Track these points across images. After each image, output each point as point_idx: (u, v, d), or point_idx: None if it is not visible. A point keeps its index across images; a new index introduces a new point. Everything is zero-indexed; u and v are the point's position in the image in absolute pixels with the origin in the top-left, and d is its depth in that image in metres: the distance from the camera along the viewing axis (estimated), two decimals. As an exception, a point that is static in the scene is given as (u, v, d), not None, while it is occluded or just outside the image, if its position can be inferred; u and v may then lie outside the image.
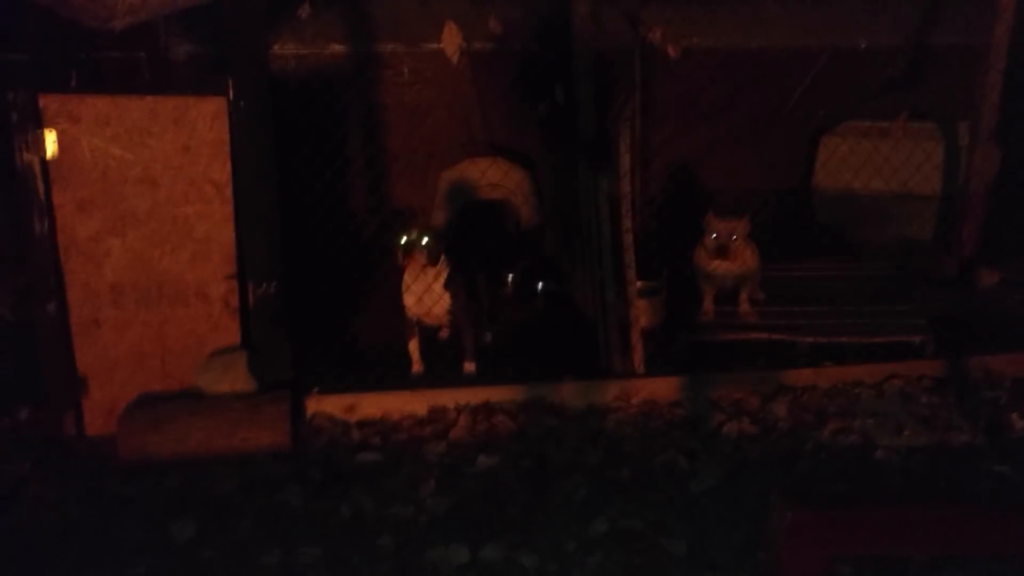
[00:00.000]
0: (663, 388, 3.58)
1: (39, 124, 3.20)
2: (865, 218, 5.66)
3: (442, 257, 3.66)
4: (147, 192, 3.35)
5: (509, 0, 5.39)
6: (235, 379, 3.33)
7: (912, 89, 6.01)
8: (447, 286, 3.67)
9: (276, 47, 5.36)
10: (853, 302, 4.18)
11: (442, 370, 3.80)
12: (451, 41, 3.93)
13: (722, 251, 3.86)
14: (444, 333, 4.05)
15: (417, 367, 3.78)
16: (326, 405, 3.46)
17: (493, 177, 5.12)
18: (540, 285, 4.84)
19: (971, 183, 4.83)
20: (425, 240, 3.60)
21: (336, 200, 4.02)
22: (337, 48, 5.46)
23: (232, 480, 3.07)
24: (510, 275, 5.06)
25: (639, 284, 4.40)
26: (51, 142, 3.23)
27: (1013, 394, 3.51)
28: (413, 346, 3.79)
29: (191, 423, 3.20)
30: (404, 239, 3.59)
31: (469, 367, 3.77)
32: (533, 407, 3.49)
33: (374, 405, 3.48)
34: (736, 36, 5.81)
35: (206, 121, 3.35)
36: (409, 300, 3.67)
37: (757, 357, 3.86)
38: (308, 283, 3.93)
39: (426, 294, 3.65)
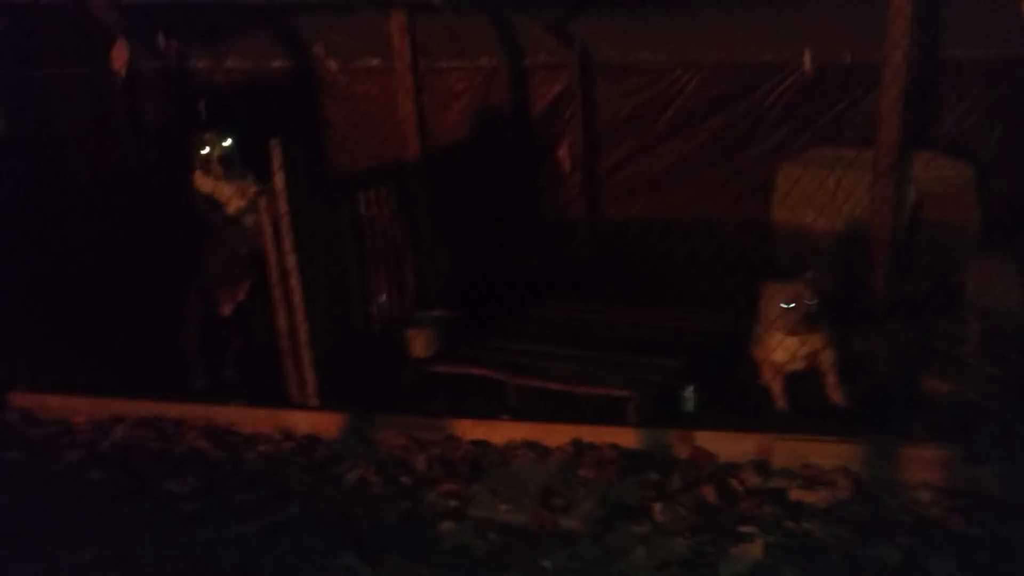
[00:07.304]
0: (328, 423, 3.27)
1: None
2: (820, 258, 4.74)
3: None
4: None
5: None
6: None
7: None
8: None
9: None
10: (612, 349, 3.58)
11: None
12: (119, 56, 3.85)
13: (804, 320, 3.06)
14: None
15: None
16: None
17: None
18: None
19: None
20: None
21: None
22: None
23: None
24: None
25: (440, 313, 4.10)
26: None
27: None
28: None
29: None
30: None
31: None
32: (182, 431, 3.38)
33: None
34: (688, 51, 5.19)
35: None
36: None
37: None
38: None
39: None
